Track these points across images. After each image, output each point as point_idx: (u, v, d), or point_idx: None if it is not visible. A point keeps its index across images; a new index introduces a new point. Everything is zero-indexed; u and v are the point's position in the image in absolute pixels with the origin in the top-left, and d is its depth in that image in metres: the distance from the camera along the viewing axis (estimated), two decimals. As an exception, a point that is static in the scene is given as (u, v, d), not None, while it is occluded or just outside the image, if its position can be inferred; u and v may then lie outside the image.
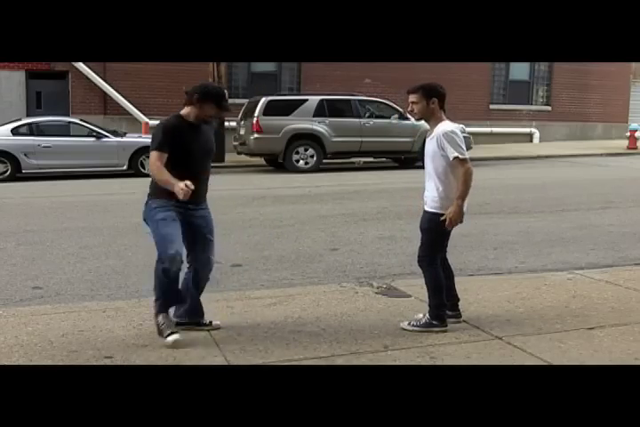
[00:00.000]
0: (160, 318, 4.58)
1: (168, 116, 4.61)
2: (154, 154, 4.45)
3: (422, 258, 4.79)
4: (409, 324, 4.77)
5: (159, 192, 4.50)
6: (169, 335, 4.48)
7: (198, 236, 4.65)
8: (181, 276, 4.62)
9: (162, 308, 4.59)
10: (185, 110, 4.56)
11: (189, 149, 4.48)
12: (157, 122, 4.64)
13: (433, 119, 4.68)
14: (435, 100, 4.62)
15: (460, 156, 4.51)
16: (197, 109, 4.51)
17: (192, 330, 4.73)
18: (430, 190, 4.71)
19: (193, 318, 4.81)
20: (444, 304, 4.77)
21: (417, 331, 4.69)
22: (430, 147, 4.67)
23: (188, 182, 4.24)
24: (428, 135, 4.75)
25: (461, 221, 4.61)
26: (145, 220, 4.63)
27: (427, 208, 4.74)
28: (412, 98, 4.66)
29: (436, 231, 4.69)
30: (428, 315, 4.76)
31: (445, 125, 4.61)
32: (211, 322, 4.84)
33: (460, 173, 4.54)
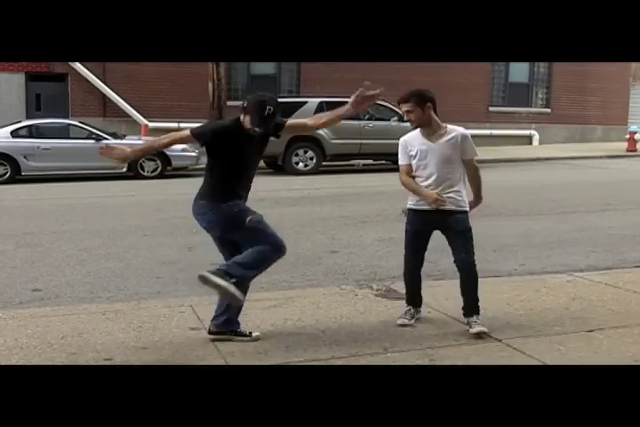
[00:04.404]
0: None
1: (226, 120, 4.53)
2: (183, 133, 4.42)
3: (472, 261, 4.77)
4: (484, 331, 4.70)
5: (227, 193, 4.40)
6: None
7: None
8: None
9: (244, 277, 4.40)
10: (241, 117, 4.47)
11: (239, 156, 4.41)
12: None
13: (432, 124, 4.69)
14: (429, 105, 4.64)
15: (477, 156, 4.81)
16: (243, 119, 4.42)
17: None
18: (454, 190, 4.72)
19: (231, 327, 4.66)
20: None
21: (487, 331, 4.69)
22: (445, 150, 4.66)
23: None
24: (434, 139, 4.71)
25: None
26: (228, 226, 4.42)
27: (456, 208, 4.72)
28: (406, 107, 4.66)
29: (470, 229, 4.78)
30: (476, 316, 4.73)
31: (458, 128, 4.74)
32: (251, 333, 4.67)
33: (473, 170, 4.81)
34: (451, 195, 4.71)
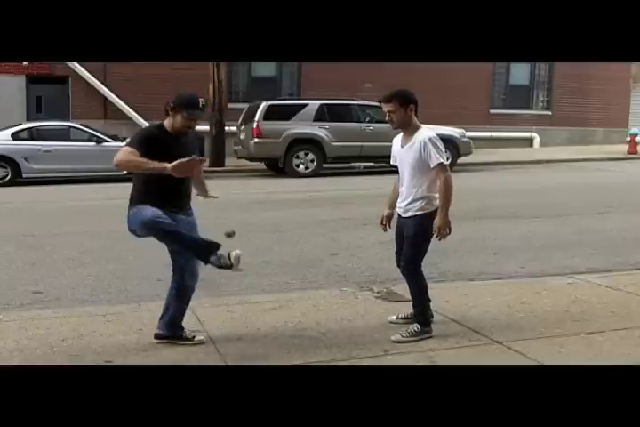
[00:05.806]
0: (212, 257, 4.36)
1: (149, 126, 4.48)
2: (125, 149, 4.26)
3: (408, 266, 4.70)
4: (402, 336, 4.64)
5: (146, 201, 4.49)
6: (230, 254, 4.41)
7: None
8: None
9: (207, 251, 4.38)
10: (166, 121, 4.49)
11: (169, 160, 4.16)
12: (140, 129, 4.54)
13: (411, 127, 4.59)
14: (412, 107, 4.55)
15: (444, 162, 4.48)
16: (172, 120, 4.43)
17: (175, 345, 4.56)
18: (412, 196, 4.62)
19: (174, 332, 4.61)
20: (429, 308, 4.77)
21: (414, 341, 4.60)
22: (410, 154, 4.55)
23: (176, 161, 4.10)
24: (404, 143, 4.65)
25: (449, 232, 4.54)
26: (133, 226, 4.63)
27: (410, 213, 4.64)
28: (388, 107, 4.54)
29: (422, 236, 4.63)
30: (417, 323, 4.70)
31: (427, 132, 4.55)
32: (194, 337, 4.62)
33: (440, 181, 4.48)
34: (414, 205, 4.63)
